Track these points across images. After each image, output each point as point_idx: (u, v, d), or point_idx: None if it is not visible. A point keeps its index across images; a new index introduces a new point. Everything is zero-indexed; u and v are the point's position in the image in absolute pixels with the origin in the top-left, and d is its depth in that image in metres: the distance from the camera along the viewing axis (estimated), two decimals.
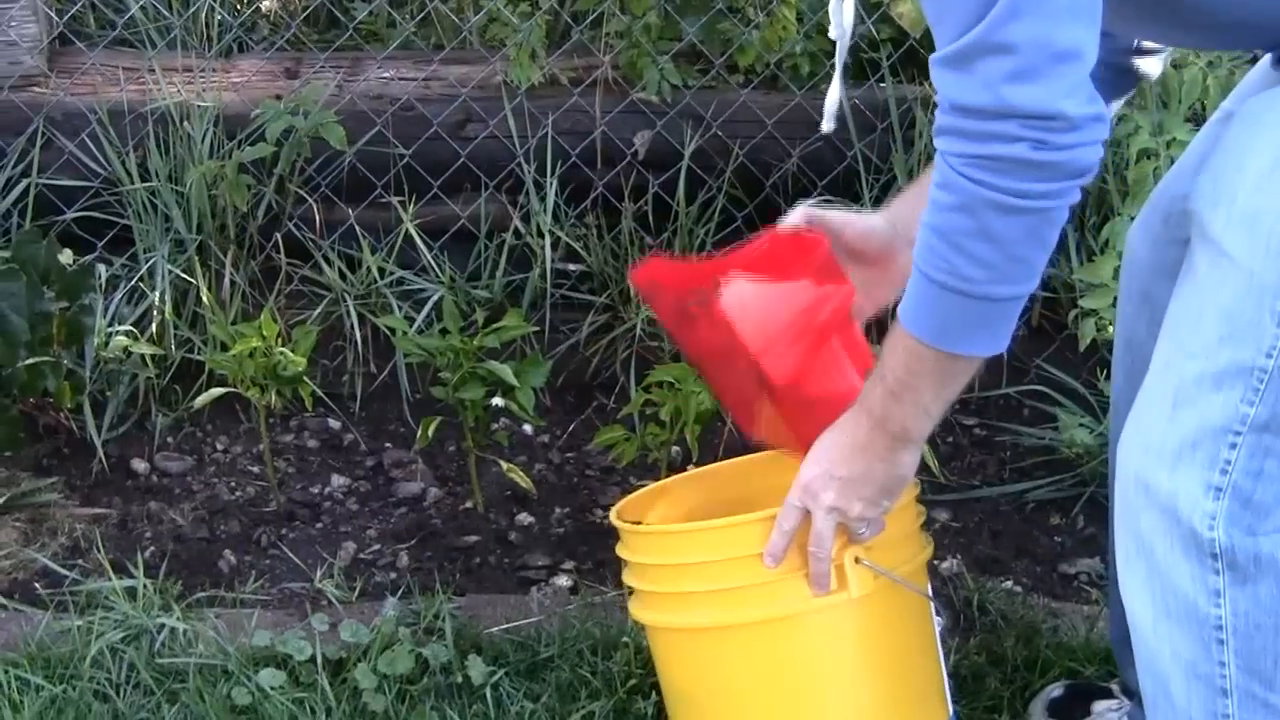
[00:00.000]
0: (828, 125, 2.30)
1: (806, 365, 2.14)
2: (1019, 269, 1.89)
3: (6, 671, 2.56)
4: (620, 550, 2.32)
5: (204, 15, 3.53)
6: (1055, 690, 2.48)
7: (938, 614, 2.26)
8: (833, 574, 2.12)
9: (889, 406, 1.99)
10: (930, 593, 2.27)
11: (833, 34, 2.23)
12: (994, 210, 1.84)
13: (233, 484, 3.14)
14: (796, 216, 2.26)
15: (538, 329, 3.28)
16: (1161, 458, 1.91)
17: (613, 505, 3.06)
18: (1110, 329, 3.07)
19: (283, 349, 2.91)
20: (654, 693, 2.49)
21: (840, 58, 2.24)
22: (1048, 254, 1.90)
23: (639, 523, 2.33)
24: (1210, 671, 1.94)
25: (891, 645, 2.23)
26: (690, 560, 2.20)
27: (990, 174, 1.83)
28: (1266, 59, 2.08)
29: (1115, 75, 2.22)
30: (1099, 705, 2.42)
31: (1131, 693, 2.34)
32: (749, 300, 2.12)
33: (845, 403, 2.08)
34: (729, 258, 2.22)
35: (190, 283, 3.29)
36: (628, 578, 2.32)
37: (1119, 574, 2.00)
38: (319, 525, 3.04)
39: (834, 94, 2.26)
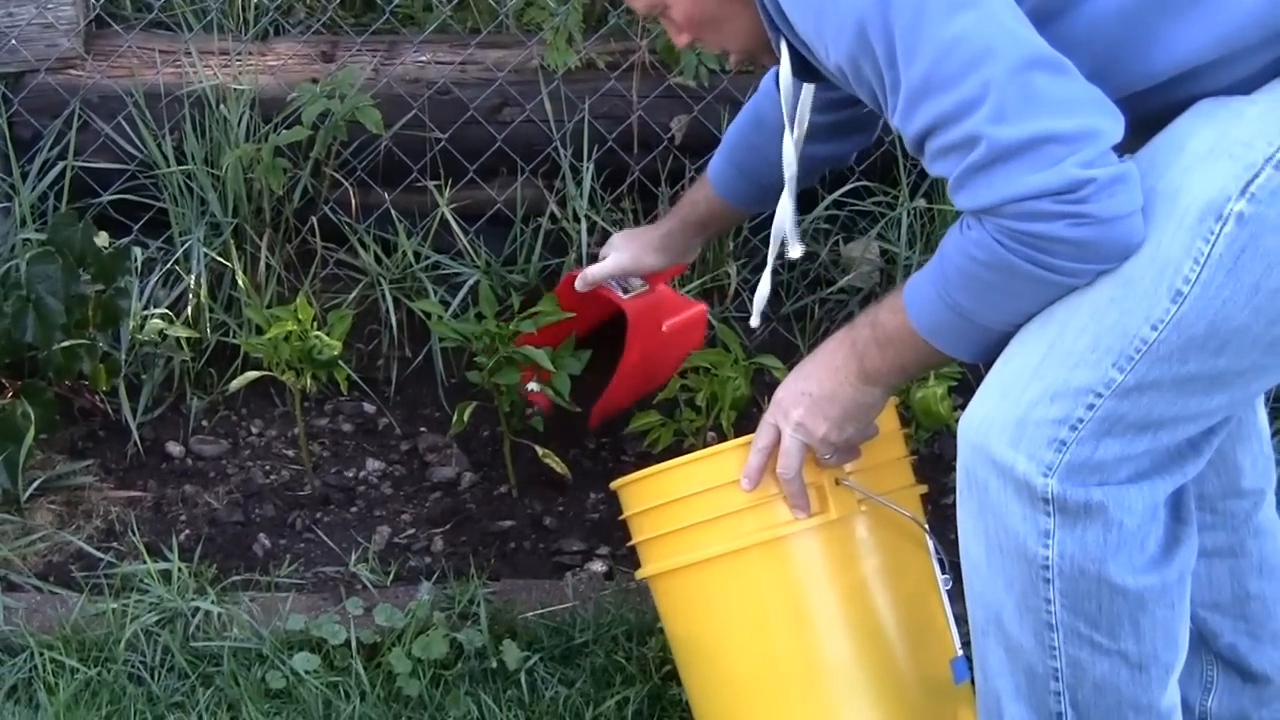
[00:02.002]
0: (755, 320, 2.47)
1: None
2: (1020, 316, 1.98)
3: (42, 654, 2.56)
4: (624, 513, 2.40)
5: None
6: None
7: (939, 556, 2.30)
8: (813, 496, 2.22)
9: (871, 349, 2.10)
10: (924, 522, 2.31)
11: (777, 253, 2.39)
12: (1021, 277, 1.92)
13: (267, 468, 3.14)
14: (584, 284, 2.82)
15: (574, 314, 3.27)
16: (1016, 405, 1.95)
17: None
18: None
19: (318, 333, 2.91)
20: None
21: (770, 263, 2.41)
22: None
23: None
24: (1039, 605, 2.00)
25: (883, 570, 2.27)
26: (680, 494, 2.27)
27: (1028, 248, 1.89)
28: None
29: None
30: None
31: None
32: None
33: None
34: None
35: (226, 266, 3.29)
36: (634, 538, 2.39)
37: (958, 508, 2.05)
38: (353, 509, 3.04)
39: (763, 289, 2.42)
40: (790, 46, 2.09)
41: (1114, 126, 1.86)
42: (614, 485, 2.41)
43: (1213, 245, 1.85)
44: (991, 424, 1.96)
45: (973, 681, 2.31)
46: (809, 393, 2.15)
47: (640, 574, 2.40)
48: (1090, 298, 1.92)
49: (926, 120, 1.89)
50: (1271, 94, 1.91)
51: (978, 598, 2.07)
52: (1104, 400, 1.91)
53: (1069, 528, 1.94)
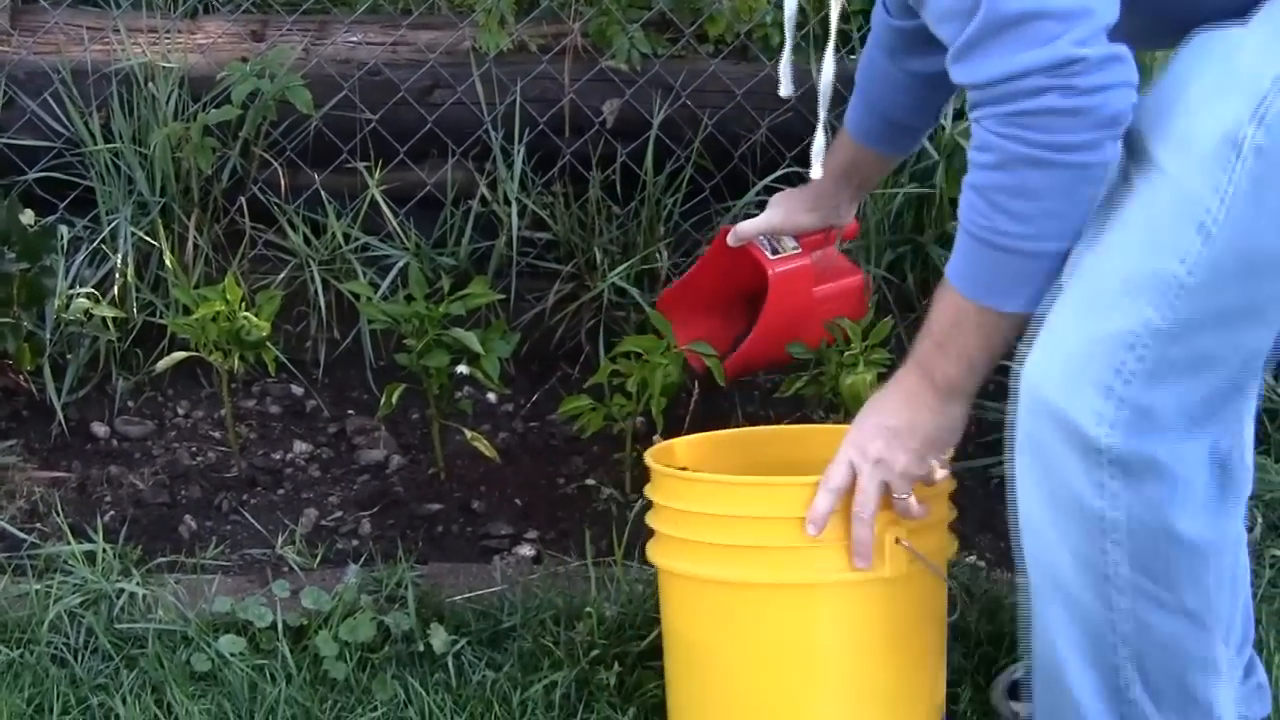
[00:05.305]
0: (786, 90, 2.43)
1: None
2: (1055, 225, 1.96)
3: None
4: (653, 494, 2.33)
5: None
6: (1017, 672, 2.48)
7: (951, 620, 2.30)
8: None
9: (935, 358, 2.07)
10: (953, 586, 2.29)
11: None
12: (1030, 166, 1.91)
13: (194, 449, 3.12)
14: (735, 239, 2.71)
15: (503, 297, 3.26)
16: (1064, 359, 1.95)
17: (576, 475, 3.07)
18: None
19: (246, 313, 2.89)
20: (616, 663, 2.49)
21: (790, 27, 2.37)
22: (1086, 211, 1.96)
23: (684, 469, 2.36)
24: (1099, 561, 2.00)
25: (910, 632, 2.24)
26: (733, 513, 2.20)
27: (1024, 129, 1.90)
28: None
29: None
30: None
31: None
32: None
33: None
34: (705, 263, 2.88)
35: (153, 245, 3.27)
36: (655, 521, 2.33)
37: (1012, 469, 2.04)
38: (280, 491, 3.03)
39: (819, 142, 2.41)
40: None
41: (1108, 6, 1.88)
42: (655, 465, 2.33)
43: (1233, 177, 1.86)
44: (1044, 380, 1.96)
45: None
46: (887, 425, 2.11)
47: (656, 561, 2.34)
48: (1118, 243, 1.93)
49: None
50: (1268, 21, 1.92)
51: (1035, 560, 2.06)
52: (1149, 345, 1.91)
53: (1128, 483, 1.94)
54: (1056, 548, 2.02)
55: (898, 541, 2.15)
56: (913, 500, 2.14)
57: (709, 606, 2.26)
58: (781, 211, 2.70)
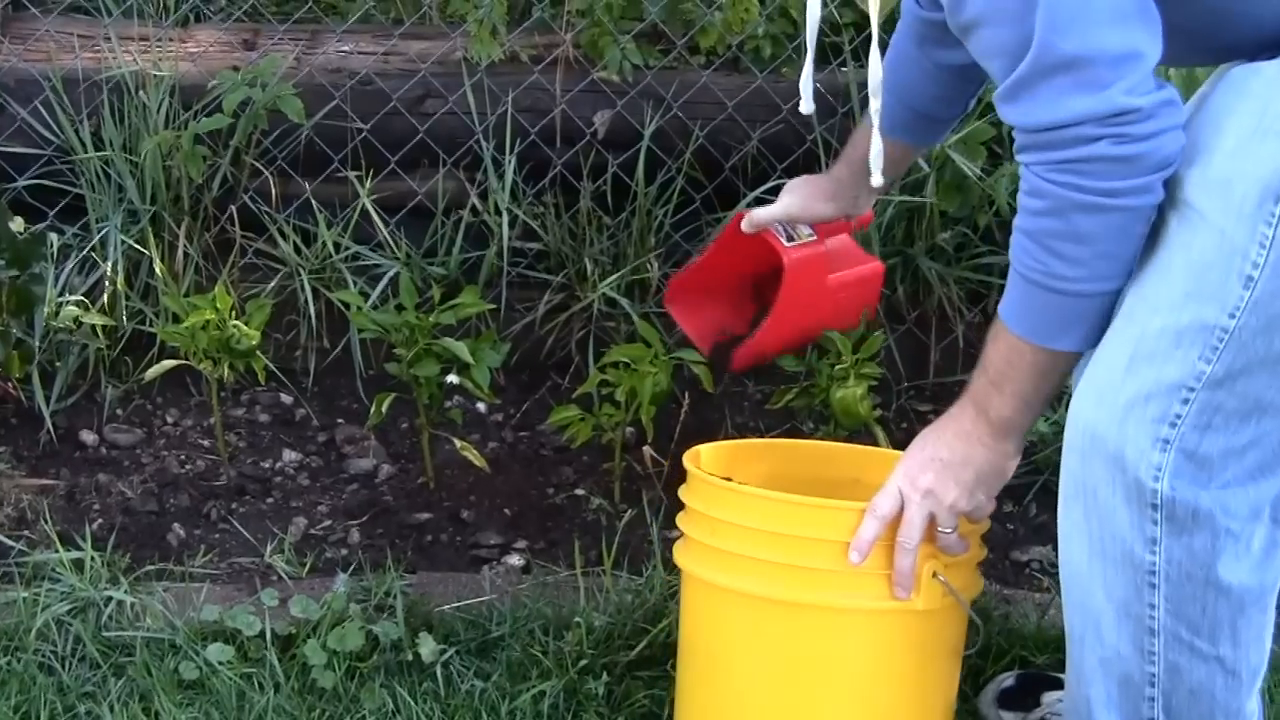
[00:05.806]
0: (806, 107, 2.41)
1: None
2: (1109, 266, 1.97)
3: None
4: (689, 499, 2.31)
5: None
6: (1007, 681, 2.49)
7: (969, 645, 2.29)
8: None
9: (990, 396, 2.07)
10: (979, 622, 2.28)
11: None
12: (1083, 211, 1.91)
13: (183, 457, 3.12)
14: (750, 226, 2.67)
15: (493, 307, 3.26)
16: (1114, 409, 1.95)
17: (565, 484, 3.07)
18: None
19: (236, 322, 2.89)
20: (604, 673, 2.49)
21: (811, 40, 2.33)
22: (1137, 249, 1.96)
23: (728, 479, 2.33)
24: (1141, 612, 2.01)
25: (931, 663, 2.24)
26: (775, 530, 2.18)
27: (1076, 176, 1.90)
28: None
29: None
30: (1048, 696, 2.42)
31: None
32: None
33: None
34: (720, 244, 2.81)
35: (143, 254, 3.27)
36: (687, 526, 2.30)
37: (1059, 515, 2.05)
38: (269, 500, 3.02)
39: (876, 146, 2.35)
40: None
41: (1155, 47, 1.88)
42: (696, 470, 2.30)
43: (1276, 227, 1.87)
44: (1094, 430, 1.96)
45: None
46: (940, 458, 2.11)
47: (684, 566, 2.32)
48: (1163, 291, 1.93)
49: (977, 8, 1.91)
50: None
51: (1076, 605, 2.07)
52: (1198, 393, 1.92)
53: (1176, 534, 1.95)
54: (1099, 598, 2.03)
55: (935, 575, 2.15)
56: (955, 535, 2.14)
57: (736, 618, 2.24)
58: (799, 200, 2.67)
